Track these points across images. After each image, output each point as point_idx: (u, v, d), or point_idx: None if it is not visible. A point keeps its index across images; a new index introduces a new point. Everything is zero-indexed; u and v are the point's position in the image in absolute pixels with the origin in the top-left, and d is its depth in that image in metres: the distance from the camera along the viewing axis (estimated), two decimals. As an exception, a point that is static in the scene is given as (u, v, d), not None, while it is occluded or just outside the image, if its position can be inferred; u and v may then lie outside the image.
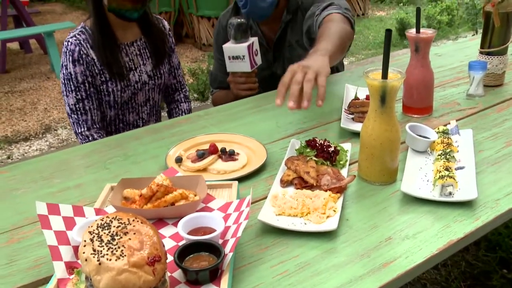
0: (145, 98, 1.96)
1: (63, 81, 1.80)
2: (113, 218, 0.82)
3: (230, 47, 1.75)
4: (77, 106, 1.80)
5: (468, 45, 2.35)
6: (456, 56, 2.15)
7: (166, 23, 2.03)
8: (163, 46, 1.95)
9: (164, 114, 2.28)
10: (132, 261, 0.75)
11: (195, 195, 1.09)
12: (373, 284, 0.87)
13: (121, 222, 0.81)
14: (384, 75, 1.11)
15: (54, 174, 1.36)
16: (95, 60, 1.79)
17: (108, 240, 0.78)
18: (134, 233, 0.79)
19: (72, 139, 4.22)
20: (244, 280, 0.90)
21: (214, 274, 0.86)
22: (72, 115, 1.82)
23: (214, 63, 2.15)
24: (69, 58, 1.76)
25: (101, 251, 0.76)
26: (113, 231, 0.79)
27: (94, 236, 0.79)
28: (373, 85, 1.12)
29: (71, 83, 1.78)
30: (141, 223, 0.82)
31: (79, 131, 1.82)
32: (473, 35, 5.35)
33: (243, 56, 1.73)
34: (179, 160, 1.33)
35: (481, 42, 1.77)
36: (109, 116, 1.91)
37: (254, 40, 1.77)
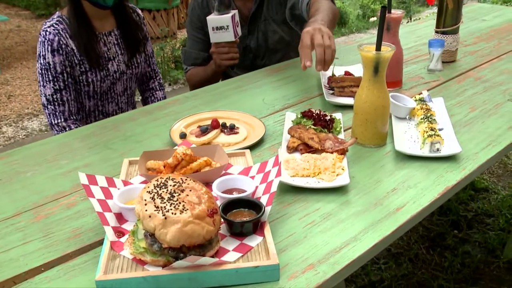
0: (123, 88, 1.97)
1: (40, 71, 1.77)
2: (167, 178, 0.89)
3: (214, 19, 1.84)
4: (54, 96, 1.78)
5: (417, 27, 2.57)
6: (409, 37, 2.35)
7: (139, 11, 2.03)
8: (137, 36, 1.96)
9: (138, 100, 2.30)
10: (195, 213, 0.83)
11: (216, 163, 1.17)
12: (391, 225, 1.01)
13: (175, 181, 0.88)
14: (378, 48, 1.24)
15: (58, 156, 1.37)
16: (75, 51, 1.78)
17: (168, 197, 0.85)
18: (190, 190, 0.87)
19: (20, 136, 4.07)
20: (278, 231, 1.00)
21: (256, 226, 0.95)
22: (49, 106, 1.79)
23: (188, 41, 2.21)
24: (47, 48, 1.74)
25: (164, 207, 0.83)
26: (171, 189, 0.86)
27: (154, 195, 0.85)
28: (367, 56, 1.25)
29: (49, 73, 1.76)
30: (193, 181, 0.89)
31: (55, 122, 1.80)
32: (408, 22, 5.71)
33: (227, 26, 1.82)
34: (183, 136, 1.39)
35: (436, 23, 1.97)
36: (87, 106, 1.90)
37: (235, 12, 1.88)
